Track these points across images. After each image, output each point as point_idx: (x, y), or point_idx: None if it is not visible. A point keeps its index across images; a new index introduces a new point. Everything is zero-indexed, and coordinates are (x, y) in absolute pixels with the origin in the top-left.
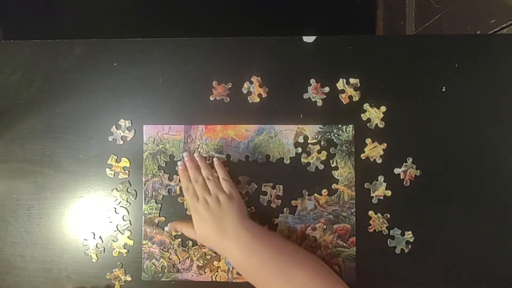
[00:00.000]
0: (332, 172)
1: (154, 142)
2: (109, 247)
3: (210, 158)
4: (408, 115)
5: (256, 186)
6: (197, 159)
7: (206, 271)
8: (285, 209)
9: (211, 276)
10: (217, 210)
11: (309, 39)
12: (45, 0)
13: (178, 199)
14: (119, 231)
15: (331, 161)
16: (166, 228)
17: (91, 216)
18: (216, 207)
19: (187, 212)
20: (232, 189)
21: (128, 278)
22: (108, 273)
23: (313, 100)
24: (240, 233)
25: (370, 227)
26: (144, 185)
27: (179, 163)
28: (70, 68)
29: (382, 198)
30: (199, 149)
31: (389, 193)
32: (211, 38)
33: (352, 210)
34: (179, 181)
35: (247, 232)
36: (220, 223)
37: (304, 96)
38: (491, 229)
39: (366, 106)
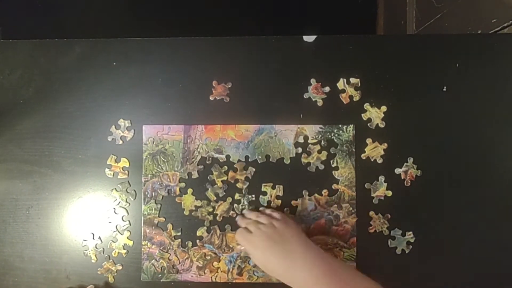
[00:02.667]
0: (333, 172)
1: (153, 142)
2: (108, 248)
3: (210, 158)
4: (409, 115)
5: (256, 186)
6: (245, 212)
7: (205, 271)
8: (285, 209)
9: (211, 277)
10: (275, 235)
11: (309, 38)
12: None
13: (176, 199)
14: (118, 231)
15: (331, 161)
16: (239, 247)
17: (90, 217)
18: (272, 232)
19: (184, 213)
20: (284, 216)
21: (119, 267)
22: (99, 269)
23: (314, 100)
24: (308, 256)
25: (370, 227)
26: (144, 186)
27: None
28: (69, 67)
29: (382, 198)
30: (198, 149)
31: (389, 193)
32: (211, 38)
33: (353, 211)
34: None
35: (315, 256)
36: (283, 247)
37: (304, 96)
38: (491, 229)
39: (366, 106)
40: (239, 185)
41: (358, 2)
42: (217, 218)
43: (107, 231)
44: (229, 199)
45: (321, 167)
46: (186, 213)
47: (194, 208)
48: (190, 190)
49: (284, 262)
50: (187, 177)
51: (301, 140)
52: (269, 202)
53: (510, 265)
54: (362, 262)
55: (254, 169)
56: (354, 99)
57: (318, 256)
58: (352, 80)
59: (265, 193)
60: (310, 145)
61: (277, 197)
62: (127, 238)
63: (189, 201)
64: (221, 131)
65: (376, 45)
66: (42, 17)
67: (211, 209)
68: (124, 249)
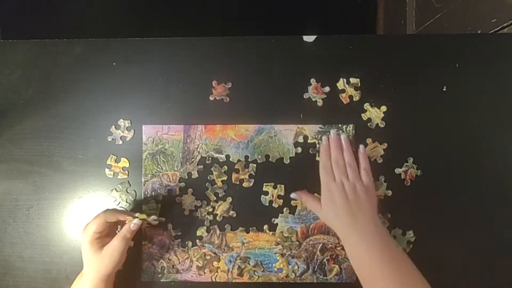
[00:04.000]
0: None
1: (153, 142)
2: None
3: (209, 158)
4: (409, 114)
5: (255, 186)
6: (343, 141)
7: (205, 271)
8: (285, 209)
9: (211, 277)
10: (352, 198)
11: (309, 38)
12: None
13: (176, 199)
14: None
15: None
16: (292, 195)
17: (90, 217)
18: (352, 194)
19: (184, 213)
20: (370, 182)
21: (119, 267)
22: None
23: (313, 99)
24: (370, 229)
25: None
26: (144, 186)
27: (323, 137)
28: (69, 67)
29: (382, 198)
30: (198, 149)
31: (389, 193)
32: (211, 38)
33: None
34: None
35: (376, 230)
36: (352, 212)
37: (304, 96)
38: (491, 228)
39: (366, 105)
40: (245, 184)
41: (358, 2)
42: (217, 218)
43: None
44: (229, 199)
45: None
46: (186, 213)
47: (193, 208)
48: (190, 190)
49: (346, 223)
50: (187, 177)
51: (300, 140)
52: (270, 201)
53: (510, 265)
54: None
55: (255, 165)
56: (354, 99)
57: (379, 233)
58: (352, 80)
59: (266, 193)
60: (309, 145)
61: (279, 196)
62: None
63: (188, 201)
64: (221, 131)
65: (376, 45)
66: (42, 17)
67: (211, 209)
68: None
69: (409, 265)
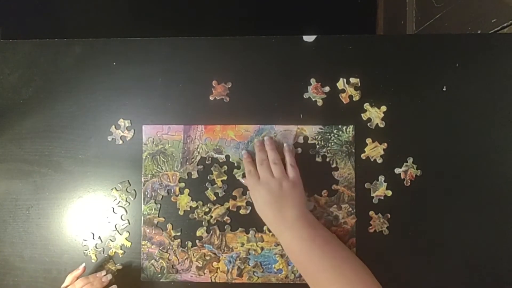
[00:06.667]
0: (332, 173)
1: (153, 142)
2: (107, 247)
3: (209, 158)
4: (409, 114)
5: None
6: (267, 142)
7: (205, 272)
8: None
9: (211, 277)
10: (278, 195)
11: (309, 38)
12: None
13: (171, 199)
14: (117, 231)
15: (331, 162)
16: (242, 180)
17: (90, 216)
18: (278, 190)
19: (179, 212)
20: (296, 177)
21: (119, 267)
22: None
23: (313, 99)
24: (298, 221)
25: (370, 227)
26: (143, 186)
27: (243, 151)
28: (69, 67)
29: (382, 198)
30: (198, 149)
31: (389, 193)
32: (211, 38)
33: (352, 211)
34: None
35: (305, 222)
36: (279, 208)
37: (304, 96)
38: (491, 228)
39: (366, 105)
40: (242, 211)
41: (358, 2)
42: (211, 221)
43: (107, 231)
44: (227, 205)
45: (321, 167)
46: (181, 213)
47: (189, 209)
48: (186, 191)
49: (276, 219)
50: (186, 177)
51: (300, 140)
52: None
53: (510, 265)
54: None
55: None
56: (354, 99)
57: (309, 225)
58: (352, 80)
59: None
60: (309, 146)
61: None
62: (126, 238)
63: (184, 202)
64: (221, 131)
65: (376, 45)
66: (42, 17)
67: (207, 210)
68: (121, 249)
69: (344, 250)
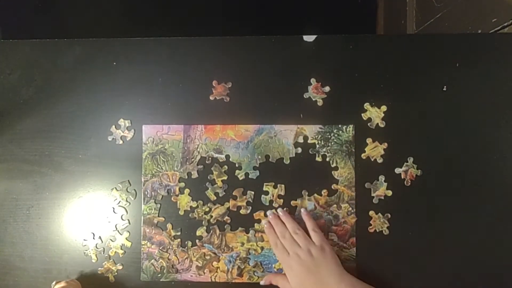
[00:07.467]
0: (332, 172)
1: (153, 142)
2: (108, 247)
3: (209, 158)
4: (409, 114)
5: (257, 186)
6: (281, 214)
7: (205, 271)
8: (285, 209)
9: (211, 277)
10: (312, 264)
11: (309, 38)
12: None
13: (171, 198)
14: (117, 231)
15: (331, 162)
16: (262, 282)
17: (90, 216)
18: (310, 261)
19: (179, 212)
20: (322, 241)
21: (119, 267)
22: (99, 268)
23: (314, 99)
24: (340, 285)
25: (370, 227)
26: (143, 185)
27: (263, 221)
28: (69, 67)
29: (382, 198)
30: (198, 149)
31: (389, 193)
32: (211, 38)
33: (352, 211)
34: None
35: (346, 283)
36: (316, 276)
37: (304, 96)
38: (491, 228)
39: (366, 105)
40: (242, 211)
41: (358, 2)
42: (211, 220)
43: (107, 231)
44: (227, 204)
45: (321, 167)
46: (181, 213)
47: (189, 209)
48: (186, 191)
49: None
50: (186, 177)
51: (300, 140)
52: (271, 201)
53: (510, 265)
54: (361, 262)
55: (253, 192)
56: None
57: (349, 284)
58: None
59: (267, 193)
60: (309, 145)
61: (279, 196)
62: (126, 238)
63: (184, 201)
64: (220, 131)
65: (376, 45)
66: (42, 17)
67: (207, 209)
68: (121, 249)
69: None
